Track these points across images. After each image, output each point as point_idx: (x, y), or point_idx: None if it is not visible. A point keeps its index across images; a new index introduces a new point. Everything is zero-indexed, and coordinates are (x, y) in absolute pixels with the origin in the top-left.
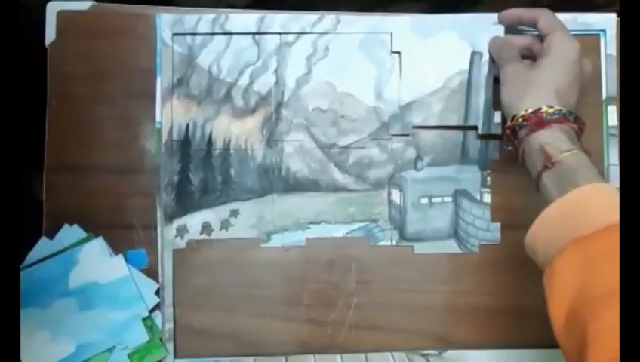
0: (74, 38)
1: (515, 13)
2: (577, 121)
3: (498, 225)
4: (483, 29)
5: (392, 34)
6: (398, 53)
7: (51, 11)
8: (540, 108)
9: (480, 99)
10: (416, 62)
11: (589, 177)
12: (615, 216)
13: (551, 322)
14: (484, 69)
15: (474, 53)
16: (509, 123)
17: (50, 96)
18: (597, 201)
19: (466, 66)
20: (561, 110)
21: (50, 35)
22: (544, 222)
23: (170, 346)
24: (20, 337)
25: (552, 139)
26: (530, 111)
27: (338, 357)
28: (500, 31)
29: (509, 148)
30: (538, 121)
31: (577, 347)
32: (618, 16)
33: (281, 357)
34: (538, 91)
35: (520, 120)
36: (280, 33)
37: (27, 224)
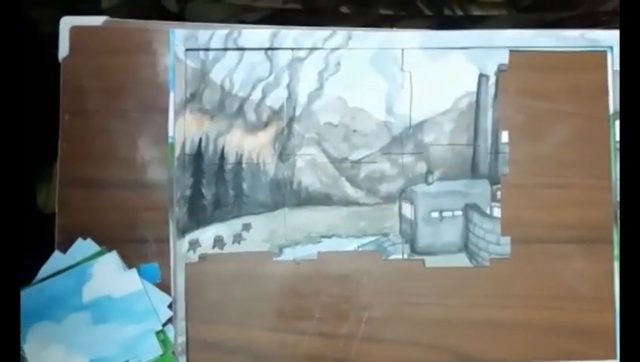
0: (87, 53)
1: None
2: None
3: (508, 239)
4: (489, 52)
5: (402, 50)
6: (409, 72)
7: (65, 26)
8: None
9: (488, 119)
10: (426, 82)
11: None
12: None
13: None
14: (492, 90)
15: (481, 76)
16: None
17: (64, 111)
18: None
19: (474, 88)
20: None
21: (63, 49)
22: None
23: (182, 360)
24: (19, 345)
25: None
26: None
27: None
28: (505, 54)
29: None
30: None
31: None
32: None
33: None
34: None
35: None
36: (292, 49)
37: (39, 238)
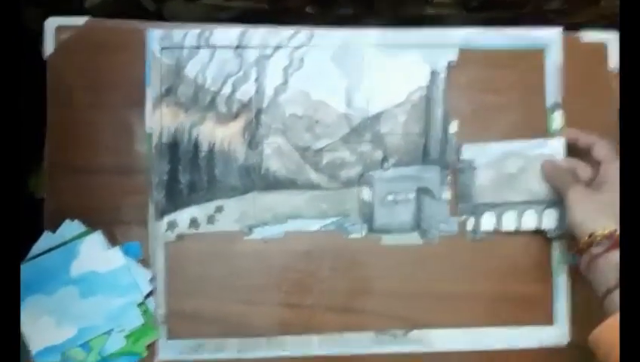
0: (71, 51)
1: (574, 134)
2: None
3: (456, 218)
4: (440, 50)
5: (362, 47)
6: (367, 68)
7: (50, 27)
8: (615, 229)
9: (438, 111)
10: (383, 78)
11: None
12: None
13: None
14: (442, 85)
15: (433, 73)
16: (585, 239)
17: (50, 105)
18: None
19: (426, 83)
20: None
21: (48, 48)
22: (608, 328)
23: (163, 329)
24: (20, 322)
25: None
26: (607, 231)
27: (314, 337)
28: (454, 54)
29: (576, 261)
30: (615, 242)
31: None
32: (619, 31)
33: (263, 338)
34: (610, 212)
35: (598, 238)
36: (259, 47)
37: (29, 220)
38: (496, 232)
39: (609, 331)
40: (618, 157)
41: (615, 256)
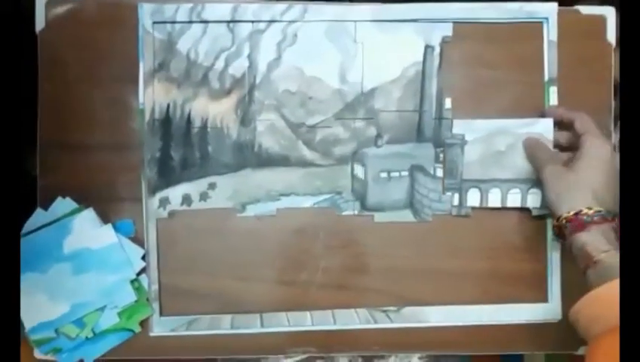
0: (63, 26)
1: (557, 111)
2: (614, 218)
3: (449, 196)
4: (435, 25)
5: (355, 22)
6: (361, 43)
7: (41, 1)
8: (580, 211)
9: (433, 87)
10: (377, 53)
11: None
12: None
13: None
14: (436, 60)
15: (427, 47)
16: (554, 222)
17: (42, 81)
18: None
19: (420, 58)
20: (599, 211)
21: (40, 23)
22: (587, 302)
23: (155, 305)
24: (20, 297)
25: (592, 241)
26: (571, 213)
27: (308, 313)
28: (448, 28)
29: (560, 240)
30: (578, 224)
31: None
32: (618, 11)
33: (257, 315)
34: (577, 194)
35: (563, 221)
36: (252, 21)
37: (24, 198)
38: (482, 209)
39: (587, 306)
40: (600, 132)
41: (580, 237)
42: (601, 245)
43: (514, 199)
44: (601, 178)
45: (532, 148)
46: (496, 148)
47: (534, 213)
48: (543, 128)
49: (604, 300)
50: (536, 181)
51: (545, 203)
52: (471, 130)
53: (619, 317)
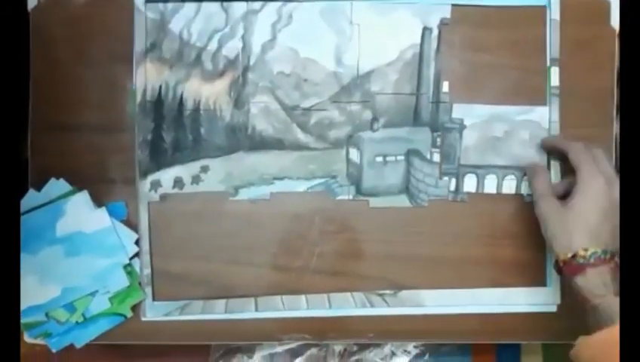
0: (55, 4)
1: (552, 141)
2: (613, 257)
3: (446, 181)
4: (433, 7)
5: (351, 3)
6: (358, 25)
7: None
8: (576, 253)
9: (430, 70)
10: (374, 35)
11: None
12: None
13: None
14: (434, 43)
15: (425, 29)
16: (554, 263)
17: (34, 60)
18: None
19: (418, 40)
20: (595, 252)
21: (32, 1)
22: (584, 346)
23: (148, 290)
24: (19, 283)
25: (587, 285)
26: (568, 255)
27: (303, 297)
28: (447, 10)
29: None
30: (573, 268)
31: None
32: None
33: (251, 299)
34: (572, 234)
35: (560, 264)
36: (247, 0)
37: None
38: (478, 194)
39: (584, 349)
40: (589, 161)
41: (578, 281)
42: (597, 289)
43: (509, 185)
44: (595, 216)
45: (532, 177)
46: (494, 134)
47: (527, 199)
48: (540, 116)
49: (600, 347)
50: None
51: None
52: (470, 115)
53: None
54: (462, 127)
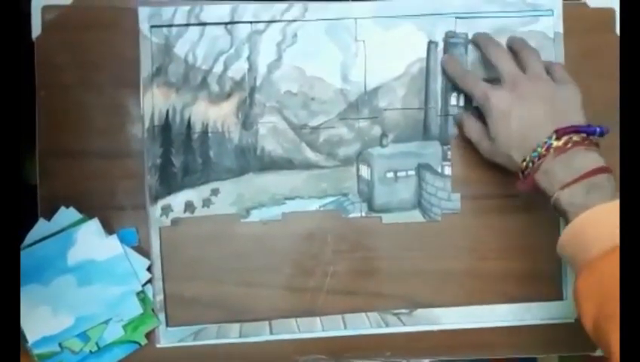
0: (59, 31)
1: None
2: (549, 148)
3: (458, 195)
4: (437, 20)
5: (356, 20)
6: (363, 41)
7: (36, 6)
8: (522, 169)
9: (437, 83)
10: (379, 51)
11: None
12: (610, 241)
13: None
14: (440, 56)
15: (430, 43)
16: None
17: (39, 87)
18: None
19: (424, 54)
20: (526, 157)
21: (36, 29)
22: (562, 244)
23: (161, 316)
24: (20, 313)
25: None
26: (522, 168)
27: (317, 319)
28: (451, 23)
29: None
30: (528, 182)
31: (607, 350)
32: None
33: (265, 322)
34: (510, 153)
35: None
36: (251, 22)
37: (24, 207)
38: (493, 210)
39: (567, 242)
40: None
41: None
42: (547, 190)
43: None
44: (510, 126)
45: (461, 128)
46: None
47: None
48: (545, 26)
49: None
50: None
51: None
52: (473, 29)
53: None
54: (467, 41)
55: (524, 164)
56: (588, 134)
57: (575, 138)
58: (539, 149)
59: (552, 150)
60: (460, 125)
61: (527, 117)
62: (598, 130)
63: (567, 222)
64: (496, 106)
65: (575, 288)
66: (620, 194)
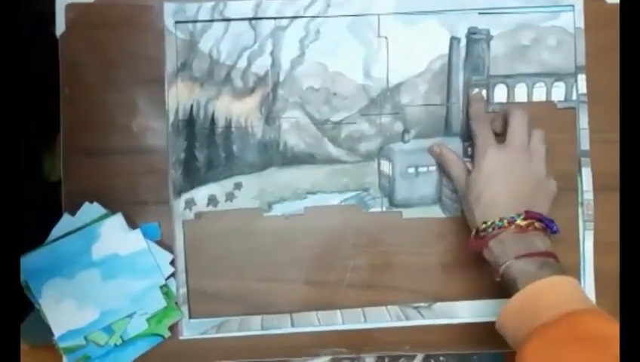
0: (83, 29)
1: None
2: (512, 222)
3: None
4: (460, 16)
5: (378, 16)
6: (385, 37)
7: (60, 4)
8: (477, 229)
9: (459, 80)
10: (402, 47)
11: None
12: (567, 306)
13: None
14: (462, 52)
15: (452, 39)
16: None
17: (63, 85)
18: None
19: (446, 51)
20: (493, 223)
21: (60, 26)
22: (510, 311)
23: (184, 309)
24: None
25: (491, 256)
26: (473, 232)
27: (338, 312)
28: (474, 19)
29: None
30: (478, 243)
31: None
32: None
33: (287, 315)
34: (473, 211)
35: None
36: (275, 18)
37: (47, 204)
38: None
39: (511, 314)
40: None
41: (485, 253)
42: (500, 258)
43: (539, 93)
44: (490, 185)
45: (447, 169)
46: (521, 42)
47: (559, 105)
48: (565, 21)
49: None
50: (561, 75)
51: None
52: (495, 24)
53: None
54: (489, 37)
55: (484, 226)
56: (546, 226)
57: (537, 224)
58: (505, 221)
59: (513, 226)
60: (439, 154)
61: (510, 189)
62: (555, 227)
63: (514, 290)
64: (488, 164)
65: (520, 355)
66: (620, 193)
